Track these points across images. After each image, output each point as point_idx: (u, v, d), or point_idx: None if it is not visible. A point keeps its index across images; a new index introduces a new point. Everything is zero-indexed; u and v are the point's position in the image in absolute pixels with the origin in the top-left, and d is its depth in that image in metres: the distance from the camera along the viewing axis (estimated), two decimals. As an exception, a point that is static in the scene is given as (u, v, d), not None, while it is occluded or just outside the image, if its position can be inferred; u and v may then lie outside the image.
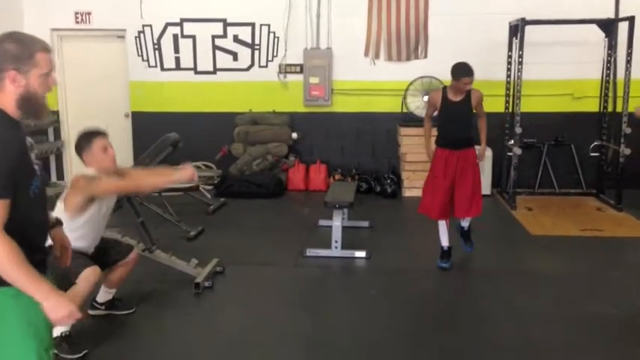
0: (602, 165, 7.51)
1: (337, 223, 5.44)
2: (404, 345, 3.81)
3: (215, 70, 8.25)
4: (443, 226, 5.17)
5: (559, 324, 4.08)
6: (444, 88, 5.10)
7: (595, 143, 7.49)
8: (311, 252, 5.42)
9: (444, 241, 5.18)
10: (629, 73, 6.89)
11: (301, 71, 8.09)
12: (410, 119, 7.71)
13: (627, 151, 6.84)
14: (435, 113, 5.18)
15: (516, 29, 7.18)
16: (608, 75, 7.45)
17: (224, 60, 8.22)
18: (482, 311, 4.34)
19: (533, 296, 4.59)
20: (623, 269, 5.20)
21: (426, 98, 7.77)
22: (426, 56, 7.91)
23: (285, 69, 8.14)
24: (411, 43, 7.91)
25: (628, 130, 6.84)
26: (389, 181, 7.67)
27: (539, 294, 4.64)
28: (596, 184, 7.61)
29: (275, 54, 8.16)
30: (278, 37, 8.12)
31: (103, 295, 4.10)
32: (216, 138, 8.10)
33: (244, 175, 7.83)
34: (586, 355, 3.69)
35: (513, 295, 4.61)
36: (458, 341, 3.86)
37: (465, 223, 5.32)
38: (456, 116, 4.92)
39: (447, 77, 7.86)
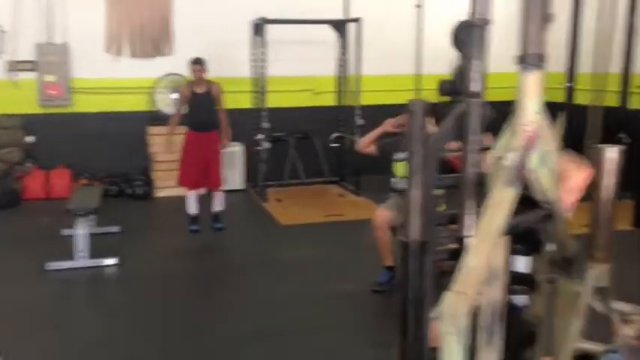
0: (342, 154, 8.16)
1: (81, 231, 5.11)
2: (158, 351, 3.72)
3: None
4: (193, 197, 6.03)
5: (308, 307, 4.33)
6: (191, 82, 6.01)
7: (334, 135, 8.10)
8: (53, 265, 4.99)
9: (193, 210, 6.05)
10: (359, 69, 7.58)
11: (34, 69, 7.37)
12: (159, 118, 7.51)
13: (361, 141, 7.54)
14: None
15: (258, 28, 7.43)
16: (341, 72, 8.09)
17: (-64, 56, 7.14)
18: (231, 304, 4.42)
19: (282, 283, 4.80)
20: (362, 248, 5.71)
21: (173, 95, 7.68)
22: (171, 53, 7.76)
23: (14, 66, 7.34)
24: (155, 39, 7.69)
25: (361, 122, 7.54)
26: (140, 182, 7.40)
27: (289, 281, 4.88)
28: (337, 173, 8.24)
29: (1, 50, 7.31)
30: (4, 31, 7.28)
31: None
32: None
33: (-30, 186, 6.90)
34: (338, 332, 3.94)
35: (264, 285, 4.78)
36: (209, 339, 3.86)
37: (218, 208, 6.13)
38: (200, 103, 5.91)
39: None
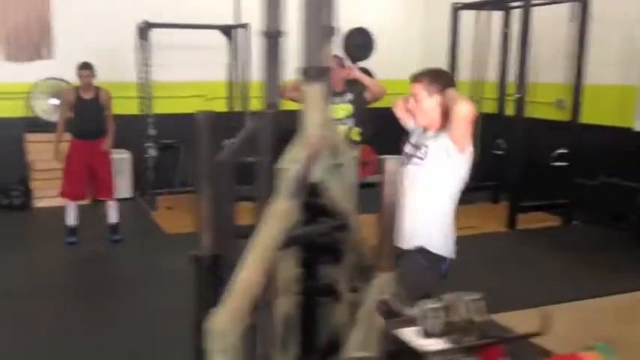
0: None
1: (-61, 247, 4.78)
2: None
3: None
4: (72, 208, 5.79)
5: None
6: (77, 88, 5.81)
7: (227, 141, 8.00)
8: None
9: (72, 221, 5.80)
10: (249, 75, 7.54)
11: None
12: (38, 124, 7.16)
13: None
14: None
15: (143, 31, 7.22)
16: (233, 77, 8.01)
17: None
18: (114, 316, 4.28)
19: (167, 294, 4.66)
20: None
21: (53, 101, 7.34)
22: (51, 56, 7.42)
23: None
24: (33, 41, 7.32)
25: (251, 128, 7.50)
26: (17, 192, 7.02)
27: (174, 291, 4.72)
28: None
29: None
30: None
31: None
32: None
33: None
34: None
35: (147, 295, 4.65)
36: (92, 353, 3.73)
37: (113, 220, 5.94)
38: (88, 110, 5.71)
39: (76, 79, 7.51)
